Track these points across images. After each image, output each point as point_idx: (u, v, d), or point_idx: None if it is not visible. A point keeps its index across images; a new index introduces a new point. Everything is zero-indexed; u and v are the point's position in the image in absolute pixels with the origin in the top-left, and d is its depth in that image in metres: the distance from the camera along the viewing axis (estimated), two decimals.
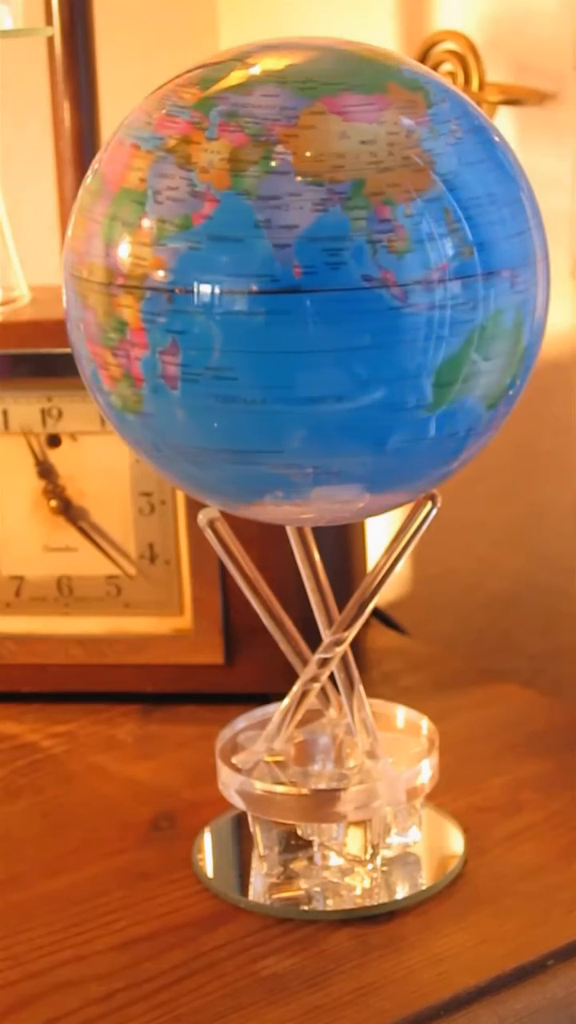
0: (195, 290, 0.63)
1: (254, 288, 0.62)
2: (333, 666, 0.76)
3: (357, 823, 0.76)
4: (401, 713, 0.80)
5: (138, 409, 0.66)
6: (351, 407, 0.64)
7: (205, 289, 0.63)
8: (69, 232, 0.69)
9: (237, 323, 0.63)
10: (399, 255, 0.62)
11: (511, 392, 0.68)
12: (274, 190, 0.62)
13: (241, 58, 0.66)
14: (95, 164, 0.68)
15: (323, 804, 0.74)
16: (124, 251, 0.64)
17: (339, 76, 0.64)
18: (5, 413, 0.94)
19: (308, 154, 0.62)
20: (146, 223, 0.64)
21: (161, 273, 0.63)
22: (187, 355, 0.63)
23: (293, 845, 0.78)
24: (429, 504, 0.72)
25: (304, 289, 0.62)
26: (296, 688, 0.77)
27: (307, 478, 0.66)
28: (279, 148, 0.62)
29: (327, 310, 0.62)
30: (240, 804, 0.76)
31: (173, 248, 0.63)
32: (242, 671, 0.94)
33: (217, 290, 0.62)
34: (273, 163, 0.62)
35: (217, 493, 0.69)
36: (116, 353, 0.65)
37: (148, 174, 0.64)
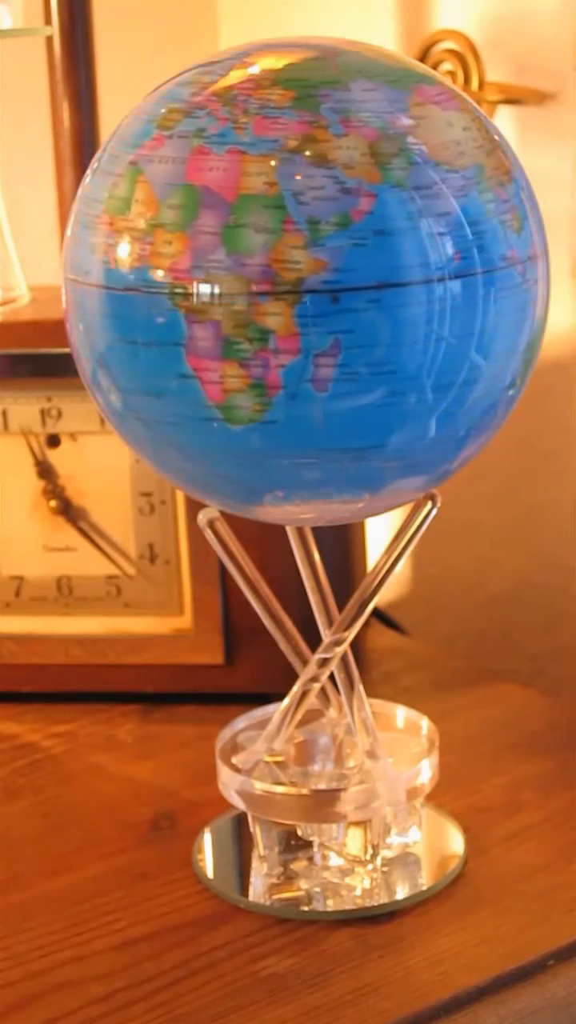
0: (361, 288, 0.63)
1: (419, 278, 0.63)
2: (333, 666, 0.76)
3: (357, 823, 0.76)
4: (401, 713, 0.80)
5: (258, 419, 0.64)
6: (486, 389, 0.67)
7: (371, 285, 0.63)
8: (94, 240, 0.66)
9: (407, 315, 0.63)
10: (517, 234, 0.66)
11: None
12: (422, 180, 0.63)
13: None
14: (142, 178, 0.65)
15: (323, 804, 0.74)
16: (268, 257, 0.62)
17: (405, 70, 0.66)
18: (5, 413, 0.94)
19: (434, 143, 0.64)
20: (293, 226, 0.62)
21: (323, 274, 0.62)
22: (348, 354, 0.63)
23: (293, 845, 0.78)
24: (429, 504, 0.72)
25: (465, 273, 0.64)
26: (296, 688, 0.77)
27: (393, 472, 0.67)
28: (410, 139, 0.64)
29: (489, 292, 0.65)
30: (240, 804, 0.76)
31: (334, 247, 0.62)
32: (242, 671, 0.94)
33: (379, 284, 0.63)
34: (413, 154, 0.64)
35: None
36: (247, 364, 0.63)
37: (276, 177, 0.62)
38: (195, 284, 0.63)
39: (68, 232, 0.69)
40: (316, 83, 0.64)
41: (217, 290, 0.63)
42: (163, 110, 0.65)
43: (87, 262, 0.66)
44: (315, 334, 0.63)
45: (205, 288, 0.63)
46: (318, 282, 0.62)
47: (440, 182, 0.64)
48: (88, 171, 0.69)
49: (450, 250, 0.64)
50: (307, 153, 0.63)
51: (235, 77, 0.65)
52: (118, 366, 0.66)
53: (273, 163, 0.62)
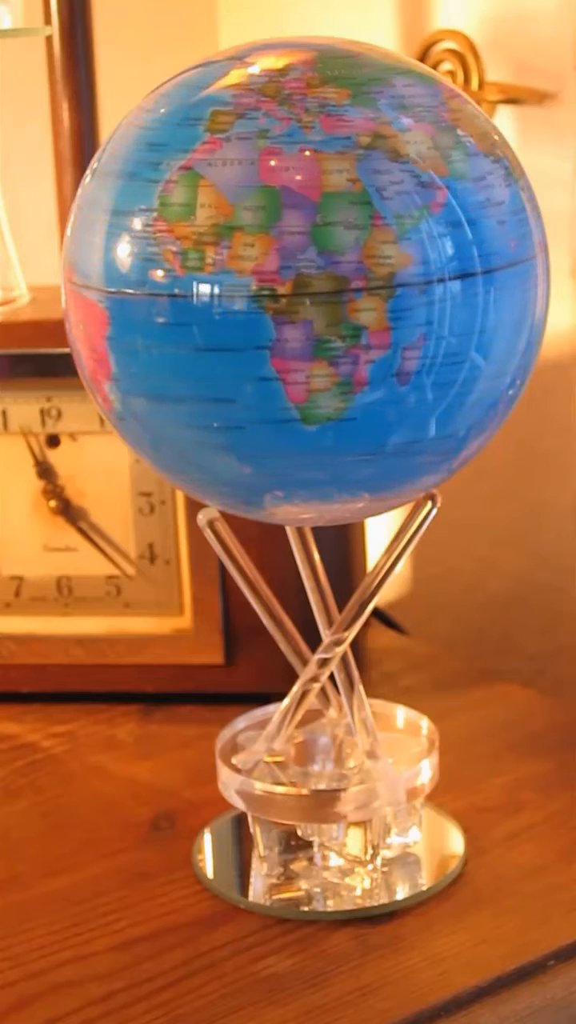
0: (445, 278, 0.64)
1: (483, 269, 0.65)
2: (333, 666, 0.76)
3: (357, 823, 0.76)
4: (401, 713, 0.80)
5: (336, 417, 0.64)
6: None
7: (452, 275, 0.64)
8: (149, 249, 0.64)
9: (475, 305, 0.65)
10: (539, 221, 0.69)
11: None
12: (479, 171, 0.65)
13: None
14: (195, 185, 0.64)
15: (323, 804, 0.74)
16: (360, 254, 0.63)
17: (420, 68, 0.68)
18: (5, 413, 0.94)
19: (476, 135, 0.66)
20: (382, 221, 0.63)
21: (411, 267, 0.63)
22: (429, 346, 0.64)
23: (293, 845, 0.78)
24: (429, 504, 0.72)
25: (519, 260, 0.66)
26: (296, 688, 0.77)
27: (448, 470, 0.69)
28: (459, 131, 0.66)
29: (536, 279, 0.68)
30: (240, 804, 0.76)
31: (419, 240, 0.63)
32: (242, 671, 0.94)
33: (459, 275, 0.64)
34: (466, 145, 0.65)
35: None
36: (337, 362, 0.63)
37: (358, 173, 0.63)
38: (285, 285, 0.63)
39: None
40: (364, 80, 0.65)
41: (311, 289, 0.63)
42: (206, 113, 0.64)
43: (132, 271, 0.64)
44: (404, 327, 0.63)
45: (298, 288, 0.63)
46: (408, 275, 0.63)
47: (490, 173, 0.66)
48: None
49: (510, 240, 0.66)
50: (381, 149, 0.63)
51: (272, 76, 0.65)
52: (168, 376, 0.65)
53: (353, 160, 0.63)
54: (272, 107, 0.64)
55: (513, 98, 1.01)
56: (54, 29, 0.98)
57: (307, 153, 0.63)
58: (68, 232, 0.69)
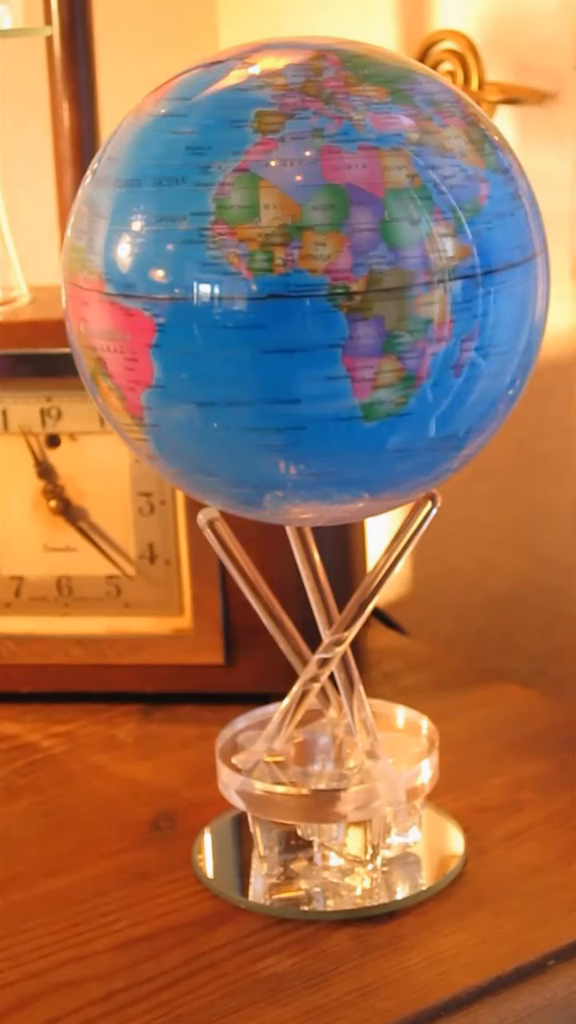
0: (493, 268, 0.65)
1: (519, 259, 0.67)
2: (333, 666, 0.76)
3: (357, 823, 0.76)
4: (401, 713, 0.80)
5: (395, 412, 0.65)
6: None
7: (499, 266, 0.65)
8: (209, 253, 0.63)
9: (513, 295, 0.66)
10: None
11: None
12: (503, 164, 0.67)
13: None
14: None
15: (323, 804, 0.74)
16: (424, 248, 0.64)
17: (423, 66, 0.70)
18: (5, 413, 0.94)
19: (492, 128, 0.68)
20: (441, 215, 0.64)
21: (468, 259, 0.64)
22: (481, 337, 0.66)
23: (293, 845, 0.78)
24: (429, 504, 0.72)
25: (538, 252, 0.68)
26: (296, 688, 0.77)
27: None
28: (481, 125, 0.67)
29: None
30: (240, 804, 0.76)
31: (472, 232, 0.65)
32: (242, 671, 0.94)
33: (503, 265, 0.66)
34: (491, 139, 0.67)
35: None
36: (404, 356, 0.64)
37: (415, 169, 0.64)
38: (359, 282, 0.63)
39: (69, 235, 0.69)
40: (394, 78, 0.66)
41: (382, 285, 0.63)
42: (249, 115, 0.64)
43: (189, 276, 0.63)
44: (462, 319, 0.65)
45: (370, 285, 0.63)
46: (466, 267, 0.65)
47: (511, 166, 0.68)
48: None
49: (538, 230, 0.68)
50: (430, 144, 0.65)
51: (309, 76, 0.65)
52: (228, 380, 0.64)
53: (408, 156, 0.64)
54: (320, 106, 0.64)
55: (513, 98, 1.01)
56: (54, 29, 0.98)
57: (365, 151, 0.63)
58: (84, 240, 0.67)
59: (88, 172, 0.69)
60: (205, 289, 0.63)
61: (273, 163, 0.63)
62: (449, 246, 0.64)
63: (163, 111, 0.66)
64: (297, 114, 0.64)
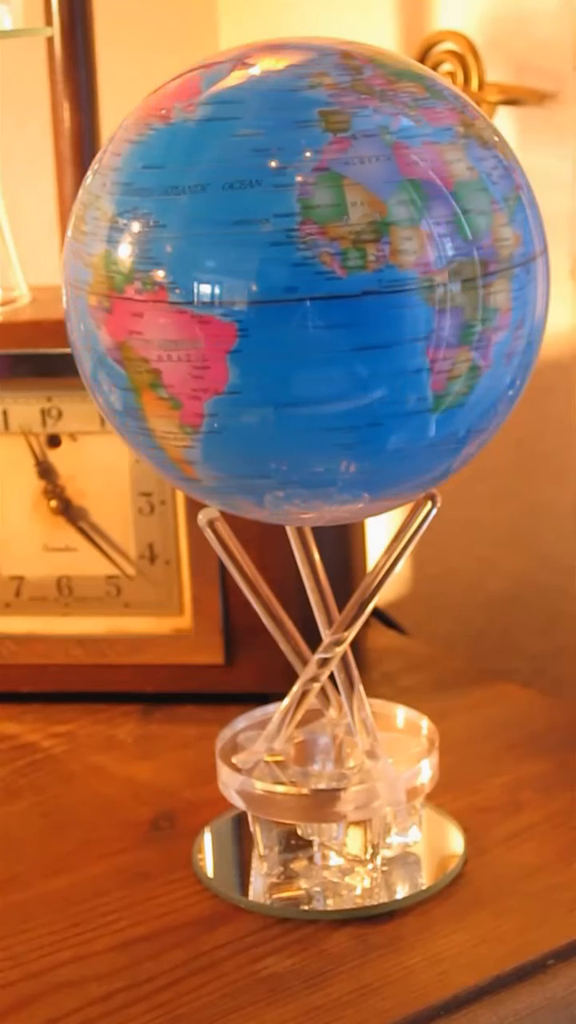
0: (535, 256, 0.68)
1: (542, 248, 0.69)
2: (333, 666, 0.76)
3: (357, 823, 0.76)
4: (401, 713, 0.80)
5: (457, 403, 0.66)
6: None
7: (536, 255, 0.68)
8: (298, 253, 0.63)
9: (542, 284, 0.69)
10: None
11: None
12: (514, 158, 0.69)
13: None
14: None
15: (323, 804, 0.74)
16: (491, 238, 0.65)
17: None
18: (5, 413, 0.95)
19: (494, 128, 0.69)
20: (496, 206, 0.66)
21: (519, 247, 0.67)
22: (526, 325, 0.67)
23: (293, 845, 0.78)
24: (429, 504, 0.72)
25: (538, 253, 0.69)
26: (296, 688, 0.77)
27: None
28: (490, 121, 0.69)
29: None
30: (240, 804, 0.76)
31: (520, 221, 0.67)
32: (242, 671, 0.94)
33: (540, 253, 0.69)
34: (501, 134, 0.69)
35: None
36: (476, 346, 0.65)
37: (471, 162, 0.65)
38: (442, 274, 0.64)
39: (101, 249, 0.68)
40: (418, 74, 0.67)
41: (462, 276, 0.64)
42: (311, 114, 0.64)
43: (279, 278, 0.63)
44: (519, 307, 0.67)
45: (452, 276, 0.64)
46: (519, 256, 0.66)
47: (516, 161, 0.69)
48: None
49: (538, 230, 0.69)
50: (474, 137, 0.66)
51: (353, 75, 0.65)
52: (313, 380, 0.64)
53: (462, 149, 0.65)
54: (377, 103, 0.65)
55: (513, 98, 1.01)
56: (54, 30, 0.97)
57: (428, 146, 0.65)
58: (133, 251, 0.65)
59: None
60: (296, 290, 0.63)
61: (352, 161, 0.63)
62: (508, 235, 0.66)
63: (205, 115, 0.65)
64: (359, 112, 0.64)
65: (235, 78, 0.65)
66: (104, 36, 0.99)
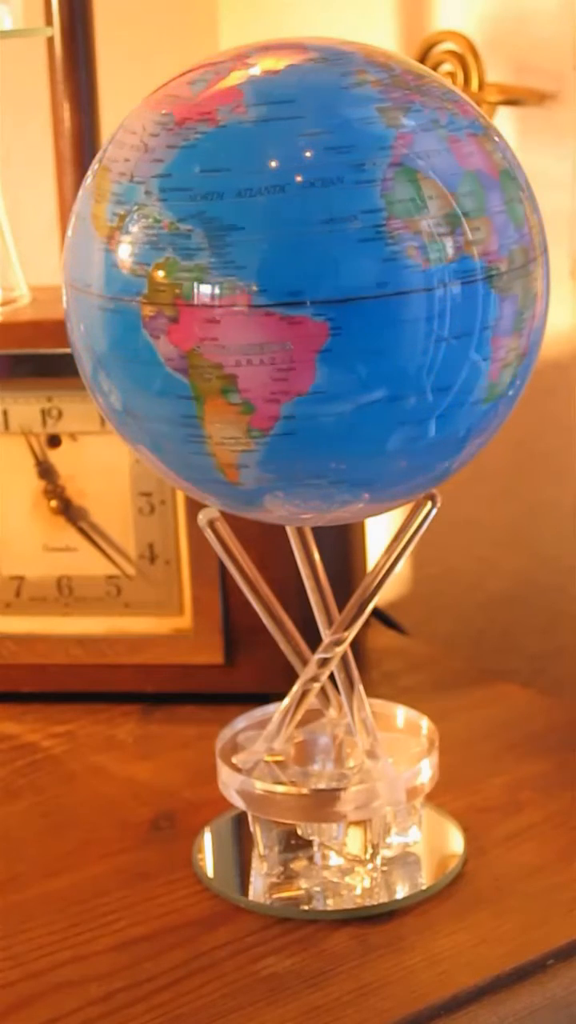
0: (545, 247, 0.70)
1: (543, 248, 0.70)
2: (333, 666, 0.76)
3: (357, 823, 0.76)
4: (401, 713, 0.80)
5: (503, 393, 0.68)
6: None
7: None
8: (391, 248, 0.63)
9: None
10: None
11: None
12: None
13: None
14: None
15: (323, 804, 0.74)
16: (528, 225, 0.67)
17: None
18: (5, 413, 0.95)
19: None
20: (523, 193, 0.68)
21: (541, 235, 0.69)
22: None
23: (293, 845, 0.78)
24: (429, 504, 0.72)
25: (538, 253, 0.70)
26: (296, 688, 0.77)
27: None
28: (492, 120, 0.72)
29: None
30: (240, 804, 0.76)
31: (536, 210, 0.69)
32: (242, 671, 0.94)
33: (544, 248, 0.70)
34: None
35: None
36: (522, 333, 0.67)
37: (504, 152, 0.68)
38: (503, 262, 0.66)
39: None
40: (426, 72, 0.68)
41: (516, 264, 0.66)
42: (369, 111, 0.64)
43: (371, 275, 0.63)
44: (546, 294, 0.69)
45: (510, 264, 0.66)
46: (542, 243, 0.69)
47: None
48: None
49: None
50: (491, 129, 0.68)
51: (389, 71, 0.66)
52: (399, 375, 0.64)
53: (492, 140, 0.67)
54: (421, 99, 0.66)
55: (513, 99, 1.01)
56: (55, 30, 0.98)
57: (471, 138, 0.66)
58: (205, 257, 0.63)
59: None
60: (385, 285, 0.63)
61: (419, 155, 0.64)
62: (535, 222, 0.68)
63: (261, 115, 0.64)
64: (411, 107, 0.65)
65: (279, 77, 0.65)
66: (104, 36, 0.99)
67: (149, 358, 0.65)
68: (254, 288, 0.63)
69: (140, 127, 0.66)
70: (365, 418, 0.65)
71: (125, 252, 0.65)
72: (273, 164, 0.63)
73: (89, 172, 0.69)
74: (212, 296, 0.63)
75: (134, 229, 0.65)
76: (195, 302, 0.64)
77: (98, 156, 0.68)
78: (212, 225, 0.63)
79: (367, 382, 0.64)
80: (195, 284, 0.63)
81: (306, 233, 0.63)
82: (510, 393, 0.68)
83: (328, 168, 0.63)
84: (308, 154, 0.63)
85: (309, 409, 0.64)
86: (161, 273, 0.64)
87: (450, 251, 0.64)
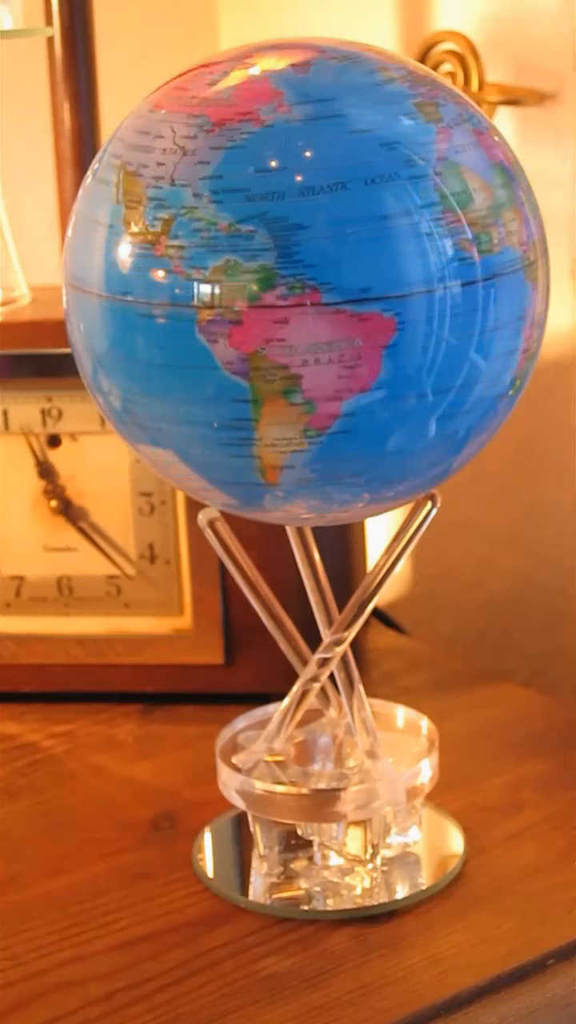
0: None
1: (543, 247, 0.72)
2: (333, 666, 0.76)
3: (357, 823, 0.76)
4: (401, 713, 0.80)
5: (520, 386, 0.69)
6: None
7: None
8: (438, 243, 0.64)
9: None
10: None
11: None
12: None
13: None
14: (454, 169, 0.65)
15: (323, 804, 0.74)
16: (538, 216, 0.68)
17: None
18: (5, 413, 0.95)
19: None
20: (529, 187, 0.69)
21: (538, 232, 0.69)
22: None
23: (293, 845, 0.78)
24: (429, 504, 0.72)
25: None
26: (296, 688, 0.77)
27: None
28: (491, 120, 0.72)
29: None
30: (240, 804, 0.76)
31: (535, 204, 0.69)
32: (242, 671, 0.94)
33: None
34: None
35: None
36: (540, 324, 0.69)
37: (505, 148, 0.68)
38: (534, 251, 0.67)
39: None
40: (427, 70, 0.68)
41: (539, 254, 0.68)
42: (407, 106, 0.65)
43: (434, 268, 0.63)
44: (546, 294, 0.69)
45: (538, 253, 0.68)
46: (544, 243, 0.69)
47: None
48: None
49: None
50: (494, 127, 0.69)
51: (408, 68, 0.67)
52: (453, 366, 0.65)
53: (497, 135, 0.68)
54: (444, 94, 0.67)
55: (513, 99, 1.01)
56: (55, 30, 0.98)
57: (490, 132, 0.67)
58: (270, 257, 0.63)
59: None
60: (444, 278, 0.64)
61: (459, 149, 0.65)
62: (539, 216, 0.69)
63: (307, 114, 0.64)
64: (439, 102, 0.66)
65: (312, 76, 0.65)
66: (104, 36, 0.99)
67: (201, 362, 0.64)
68: (325, 286, 0.63)
69: (168, 131, 0.65)
70: (421, 414, 0.65)
71: (176, 256, 0.64)
72: (331, 162, 0.63)
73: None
74: (280, 296, 0.63)
75: (186, 235, 0.63)
76: (261, 303, 0.63)
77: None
78: (277, 225, 0.62)
79: (420, 377, 0.65)
80: (262, 285, 0.63)
81: (369, 229, 0.63)
82: (510, 393, 0.68)
83: (384, 164, 0.63)
84: (363, 151, 0.63)
85: (370, 406, 0.64)
86: (222, 277, 0.63)
87: (495, 242, 0.65)
